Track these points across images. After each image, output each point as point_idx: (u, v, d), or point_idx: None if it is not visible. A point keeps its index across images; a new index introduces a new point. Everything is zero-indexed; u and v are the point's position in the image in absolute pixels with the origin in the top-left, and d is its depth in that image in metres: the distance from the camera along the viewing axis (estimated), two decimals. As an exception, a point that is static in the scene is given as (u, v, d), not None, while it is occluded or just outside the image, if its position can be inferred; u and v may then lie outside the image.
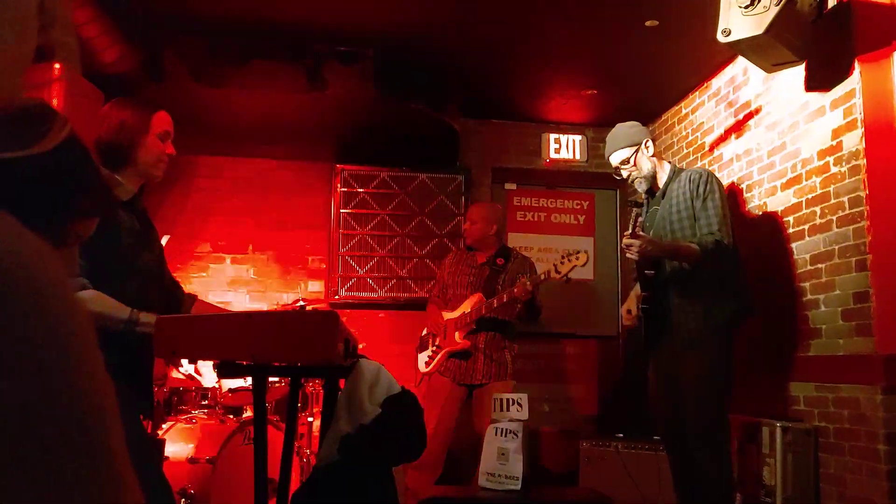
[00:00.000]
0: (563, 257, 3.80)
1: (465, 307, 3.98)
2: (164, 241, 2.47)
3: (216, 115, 4.89)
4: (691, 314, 3.21)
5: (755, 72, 4.13)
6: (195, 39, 4.27)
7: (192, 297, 2.46)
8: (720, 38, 3.28)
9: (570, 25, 4.10)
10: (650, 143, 3.41)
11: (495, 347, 4.00)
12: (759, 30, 3.18)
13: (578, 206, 5.95)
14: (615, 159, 3.44)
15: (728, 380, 3.20)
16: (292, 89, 4.40)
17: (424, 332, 4.25)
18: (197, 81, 4.29)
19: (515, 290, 3.75)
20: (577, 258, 3.71)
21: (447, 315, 4.06)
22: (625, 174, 3.43)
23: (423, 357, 4.14)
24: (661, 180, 3.42)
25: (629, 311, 3.51)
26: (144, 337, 1.95)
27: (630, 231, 3.05)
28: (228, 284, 5.35)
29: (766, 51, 3.37)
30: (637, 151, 3.38)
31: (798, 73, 3.74)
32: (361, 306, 5.34)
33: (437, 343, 4.04)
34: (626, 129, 3.47)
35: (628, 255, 3.18)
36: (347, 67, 4.41)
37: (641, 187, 3.43)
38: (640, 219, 3.08)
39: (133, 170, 2.21)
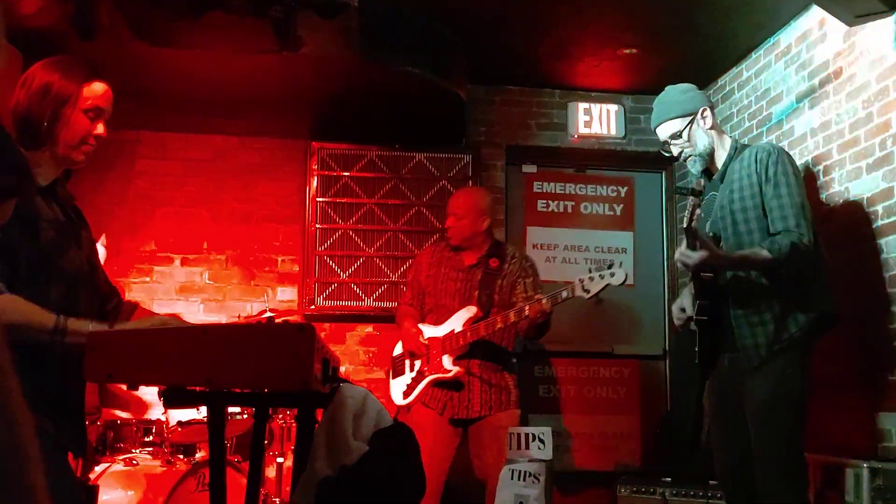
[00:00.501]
0: (591, 271, 3.72)
1: (456, 324, 3.92)
2: (101, 242, 2.49)
3: (162, 81, 4.87)
4: (758, 327, 3.20)
5: (834, 25, 4.12)
6: (136, -14, 4.27)
7: (133, 306, 2.47)
8: (791, -18, 3.27)
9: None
10: (709, 113, 3.40)
11: (494, 370, 3.98)
12: (839, -28, 3.17)
13: (615, 194, 5.95)
14: (664, 132, 3.42)
15: (804, 406, 3.19)
16: (257, 49, 4.39)
17: (397, 350, 4.18)
18: (138, 38, 4.29)
19: (529, 311, 3.69)
20: (613, 275, 3.63)
21: (428, 330, 4.00)
22: (675, 151, 3.42)
23: (398, 385, 4.09)
24: (720, 159, 3.40)
25: (682, 310, 3.48)
26: (75, 351, 1.95)
27: (686, 226, 3.04)
28: (178, 291, 5.36)
29: (849, -2, 3.36)
30: (692, 122, 3.36)
31: (887, 25, 3.73)
32: (343, 319, 5.35)
33: (417, 368, 3.99)
34: (678, 93, 3.46)
35: (680, 267, 3.18)
36: (326, 21, 4.40)
37: (696, 168, 3.42)
38: (697, 211, 3.06)
39: (51, 150, 2.21)
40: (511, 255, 4.14)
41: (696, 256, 3.05)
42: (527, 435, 2.87)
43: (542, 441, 2.84)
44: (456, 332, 3.88)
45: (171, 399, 1.88)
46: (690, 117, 3.37)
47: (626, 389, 5.76)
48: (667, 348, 5.79)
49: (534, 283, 4.04)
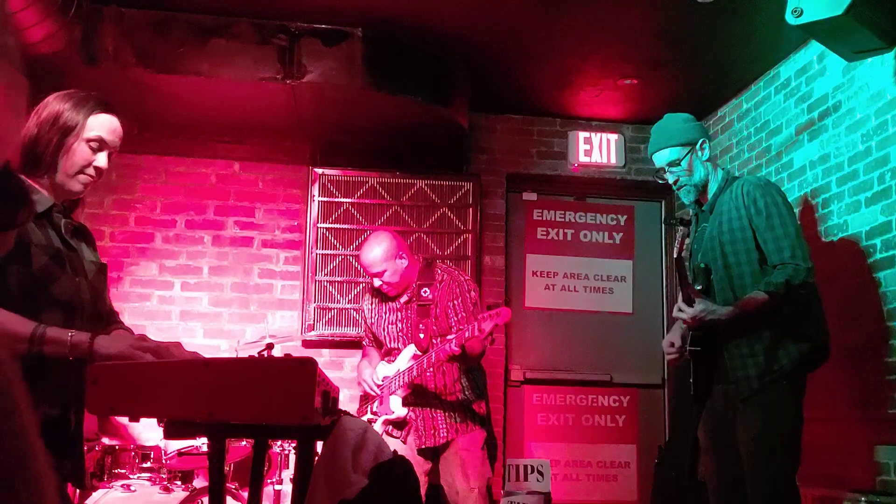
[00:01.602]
0: (487, 309, 3.61)
1: (401, 363, 3.92)
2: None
3: (165, 106, 4.93)
4: (749, 358, 3.21)
5: (833, 59, 4.16)
6: (142, 14, 4.33)
7: (126, 331, 2.44)
8: (790, 19, 3.32)
9: None
10: (707, 145, 3.43)
11: (452, 393, 3.98)
12: (837, 9, 3.22)
13: (614, 222, 5.98)
14: (661, 159, 3.45)
15: (797, 439, 3.20)
16: (260, 76, 4.45)
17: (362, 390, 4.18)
18: (143, 65, 4.35)
19: (440, 355, 3.65)
20: (498, 314, 3.51)
21: (383, 370, 4.00)
22: (670, 179, 3.44)
23: None
24: (711, 191, 3.43)
25: (672, 344, 3.50)
26: (56, 363, 1.96)
27: (675, 257, 3.08)
28: (178, 316, 5.37)
29: (847, 34, 3.41)
30: (691, 153, 3.39)
31: (886, 61, 3.78)
32: (342, 345, 5.36)
33: (374, 408, 4.00)
34: (679, 122, 3.49)
35: (679, 321, 3.21)
36: (329, 49, 4.46)
37: (688, 197, 3.45)
38: (686, 241, 3.09)
39: (50, 178, 2.22)
40: (440, 280, 4.02)
41: (690, 311, 3.10)
42: (525, 466, 2.88)
43: (540, 473, 2.85)
44: (401, 370, 3.89)
45: (173, 430, 1.90)
46: (690, 147, 3.40)
47: (625, 418, 5.76)
48: (665, 377, 5.80)
49: (463, 303, 3.95)
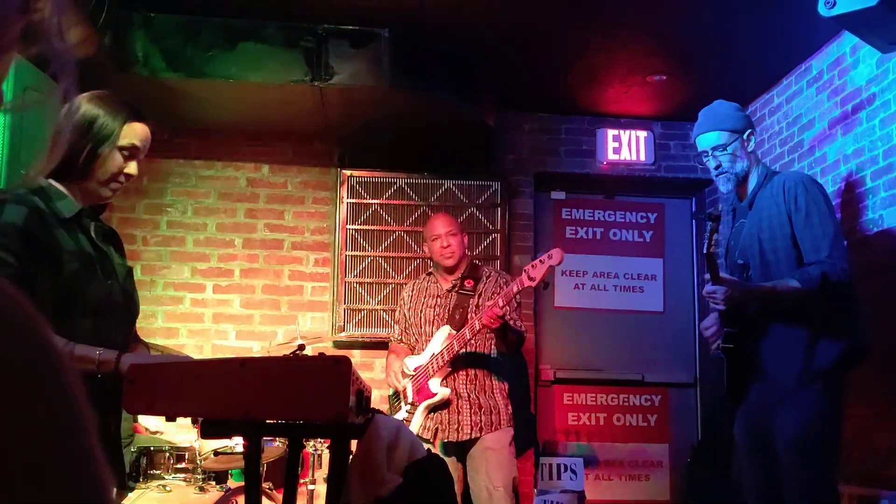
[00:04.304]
0: (532, 260, 3.81)
1: (434, 346, 3.99)
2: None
3: (195, 110, 4.98)
4: (787, 357, 3.17)
5: (867, 51, 4.11)
6: (171, 19, 4.37)
7: (141, 348, 2.45)
8: (823, 10, 3.28)
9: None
10: (753, 137, 3.42)
11: (481, 389, 4.01)
12: (871, 0, 3.18)
13: (644, 220, 5.95)
14: (707, 141, 3.41)
15: (837, 440, 3.16)
16: (288, 78, 4.48)
17: (391, 390, 4.24)
18: (172, 70, 4.39)
19: (483, 319, 3.73)
20: (551, 257, 3.69)
21: (414, 361, 4.06)
22: (712, 164, 3.41)
23: None
24: (750, 185, 3.41)
25: (708, 328, 3.46)
26: (112, 383, 1.98)
27: (705, 251, 3.05)
28: (210, 319, 5.41)
29: (882, 25, 3.36)
30: (737, 140, 3.38)
31: (921, 52, 3.72)
32: (372, 346, 5.37)
33: (410, 400, 4.03)
34: (731, 109, 3.46)
35: (712, 305, 3.17)
36: (356, 51, 4.48)
37: (726, 186, 3.42)
38: (715, 237, 3.06)
39: (80, 184, 2.24)
40: (487, 275, 4.19)
41: (721, 288, 3.06)
42: (559, 465, 2.87)
43: (573, 472, 2.84)
44: (435, 353, 3.94)
45: (209, 429, 1.91)
46: (738, 135, 3.38)
47: (657, 417, 5.72)
48: (698, 376, 5.76)
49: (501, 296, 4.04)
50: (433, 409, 3.98)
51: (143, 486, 3.72)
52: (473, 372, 4.01)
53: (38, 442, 0.41)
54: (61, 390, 0.43)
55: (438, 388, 3.94)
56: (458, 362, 3.96)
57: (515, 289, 3.74)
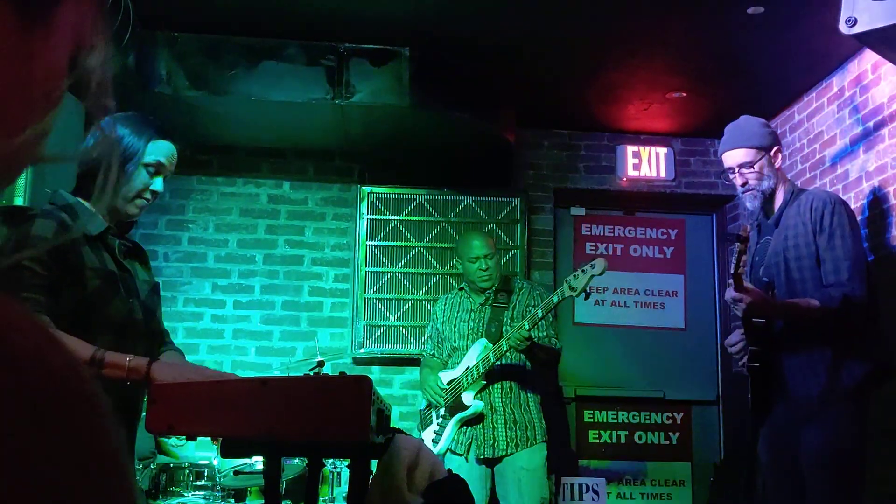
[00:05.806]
0: (575, 270, 3.79)
1: (470, 360, 3.99)
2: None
3: (217, 128, 5.03)
4: (811, 376, 3.16)
5: (889, 68, 4.09)
6: (194, 38, 4.41)
7: (174, 353, 2.47)
8: (843, 28, 3.26)
9: (653, 11, 4.13)
10: (780, 154, 3.41)
11: (516, 404, 4.00)
12: (893, 18, 3.16)
13: (664, 236, 5.92)
14: (733, 158, 3.38)
15: (862, 461, 3.13)
16: (310, 97, 4.51)
17: (423, 404, 4.27)
18: (195, 88, 4.43)
19: (511, 341, 3.76)
20: (594, 266, 3.66)
21: (447, 376, 4.07)
22: (738, 182, 3.39)
23: (427, 436, 4.13)
24: (777, 202, 3.39)
25: (732, 345, 3.44)
26: (115, 387, 1.99)
27: (733, 272, 3.04)
28: (231, 335, 5.43)
29: (904, 43, 3.34)
30: (764, 157, 3.36)
31: (944, 69, 3.70)
32: (392, 362, 5.37)
33: (441, 413, 4.04)
34: (758, 125, 3.44)
35: (735, 310, 3.17)
36: (378, 69, 4.50)
37: (753, 203, 3.40)
38: (744, 258, 3.05)
39: (107, 202, 2.25)
40: (519, 287, 4.22)
41: (746, 297, 3.04)
42: (580, 485, 2.85)
43: (595, 492, 2.83)
44: (469, 366, 3.94)
45: (229, 449, 1.92)
46: (765, 152, 3.36)
47: (679, 435, 5.68)
48: (720, 393, 5.71)
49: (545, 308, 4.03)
50: (466, 422, 3.97)
51: (162, 503, 3.73)
52: (508, 385, 4.01)
53: (80, 485, 0.41)
54: (100, 437, 0.43)
55: (472, 401, 3.94)
56: (492, 375, 3.97)
57: (556, 298, 3.73)
